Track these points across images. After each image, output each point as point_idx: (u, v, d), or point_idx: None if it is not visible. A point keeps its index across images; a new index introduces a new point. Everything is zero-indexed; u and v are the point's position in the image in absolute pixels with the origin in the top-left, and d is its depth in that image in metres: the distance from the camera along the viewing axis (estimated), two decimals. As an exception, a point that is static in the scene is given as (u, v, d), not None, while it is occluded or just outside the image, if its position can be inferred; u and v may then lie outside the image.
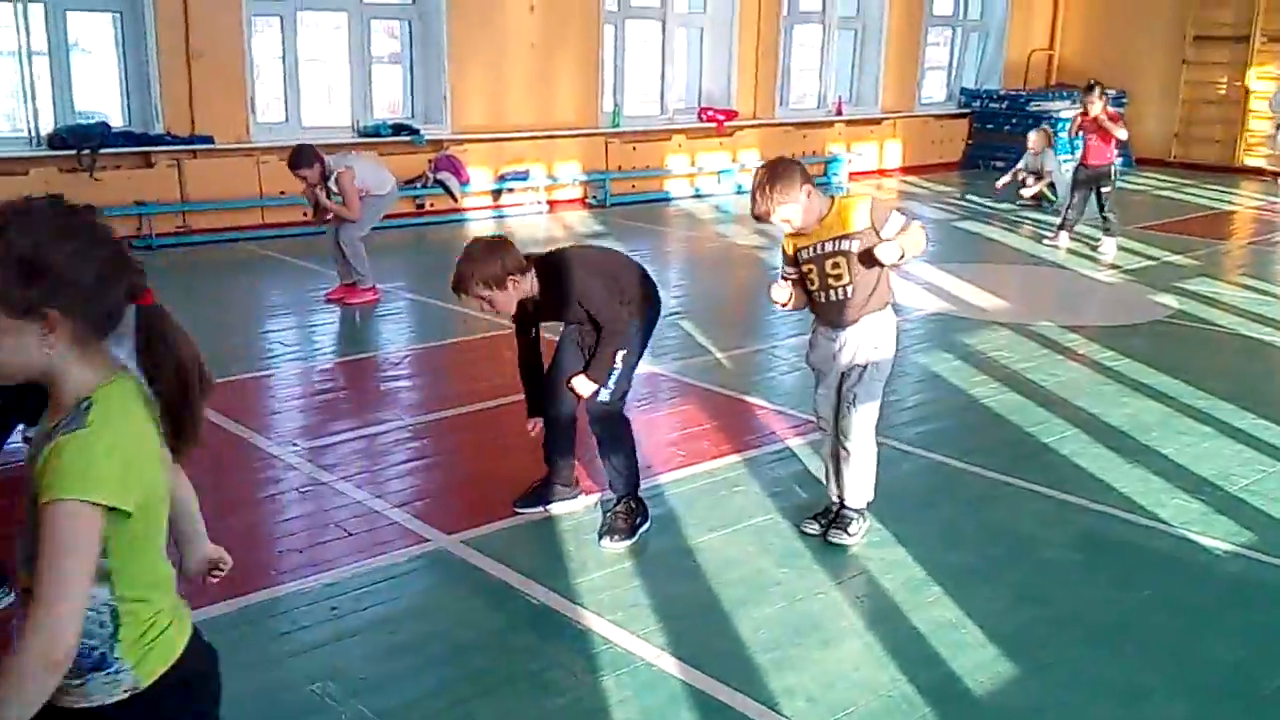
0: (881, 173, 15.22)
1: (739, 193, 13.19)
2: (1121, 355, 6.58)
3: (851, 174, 14.62)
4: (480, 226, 10.94)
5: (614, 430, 4.03)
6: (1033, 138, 12.52)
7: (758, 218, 3.83)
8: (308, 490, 4.46)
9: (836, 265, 3.87)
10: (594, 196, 12.16)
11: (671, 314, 7.49)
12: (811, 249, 3.90)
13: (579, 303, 3.85)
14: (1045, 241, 10.10)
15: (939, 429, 5.35)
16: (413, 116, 11.25)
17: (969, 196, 13.31)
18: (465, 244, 3.89)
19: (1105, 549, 4.08)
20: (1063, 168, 12.25)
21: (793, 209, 3.76)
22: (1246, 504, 4.45)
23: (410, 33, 11.15)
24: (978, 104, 16.12)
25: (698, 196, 12.96)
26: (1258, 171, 15.16)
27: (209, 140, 9.71)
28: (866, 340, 3.93)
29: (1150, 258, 9.62)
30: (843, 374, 3.98)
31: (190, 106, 9.65)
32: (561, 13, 11.73)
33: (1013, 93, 16.02)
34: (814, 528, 4.08)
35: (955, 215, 11.99)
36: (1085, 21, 16.87)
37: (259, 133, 9.99)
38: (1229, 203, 13.01)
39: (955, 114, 16.18)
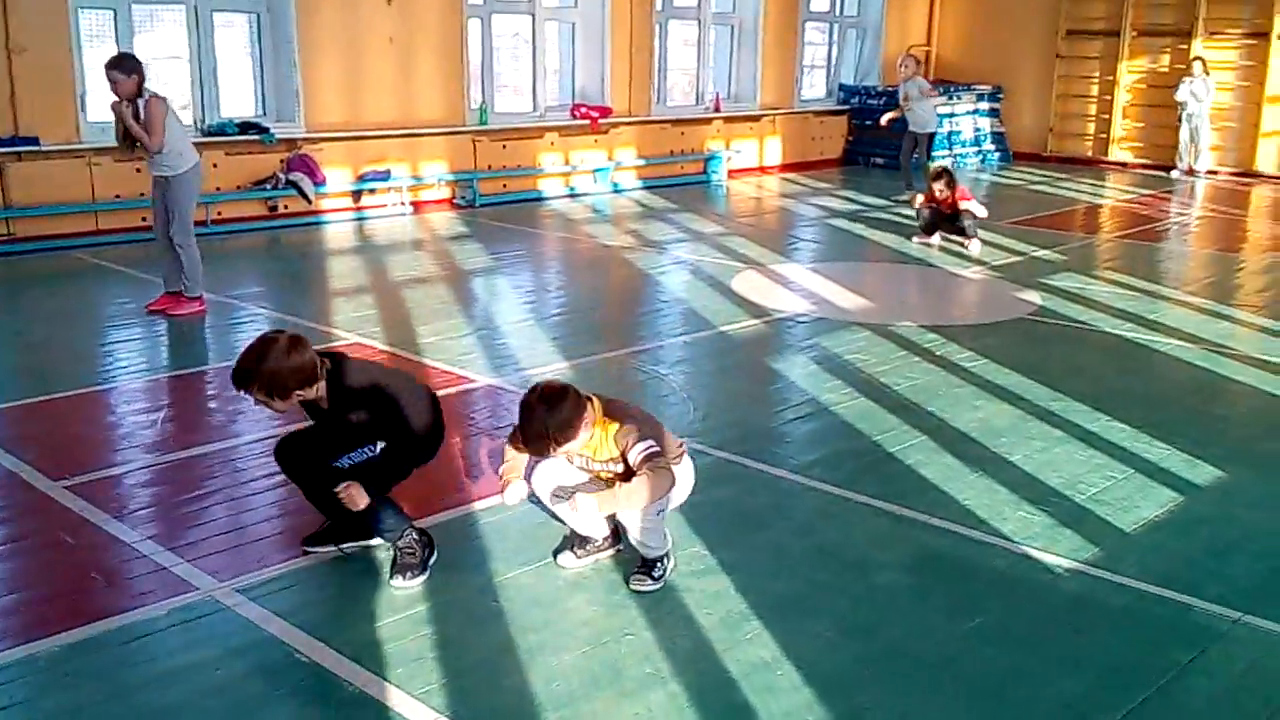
0: (762, 169, 15.05)
1: (616, 191, 12.90)
2: (979, 355, 6.40)
3: (731, 171, 14.44)
4: (339, 229, 10.45)
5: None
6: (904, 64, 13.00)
7: (532, 449, 3.55)
8: (70, 533, 3.98)
9: (607, 473, 3.66)
10: (462, 196, 11.72)
11: (528, 320, 7.13)
12: (584, 461, 3.65)
13: (368, 423, 3.58)
14: (916, 240, 9.97)
15: (782, 441, 5.08)
16: (264, 114, 10.68)
17: (845, 193, 13.18)
18: (260, 336, 3.55)
19: (940, 571, 3.83)
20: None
21: (574, 445, 3.51)
22: (1092, 515, 4.24)
23: (258, 26, 10.58)
24: (856, 100, 16.06)
25: (572, 196, 12.61)
26: (1126, 165, 15.35)
27: (34, 141, 9.05)
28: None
29: (1019, 253, 9.54)
30: None
31: (12, 105, 8.99)
32: (421, 6, 11.27)
33: (891, 88, 15.93)
34: (571, 560, 3.78)
35: (829, 213, 11.83)
36: (961, 17, 16.93)
37: (90, 133, 9.34)
38: (1101, 196, 13.11)
39: (834, 110, 16.10)
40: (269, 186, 10.14)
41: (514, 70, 12.98)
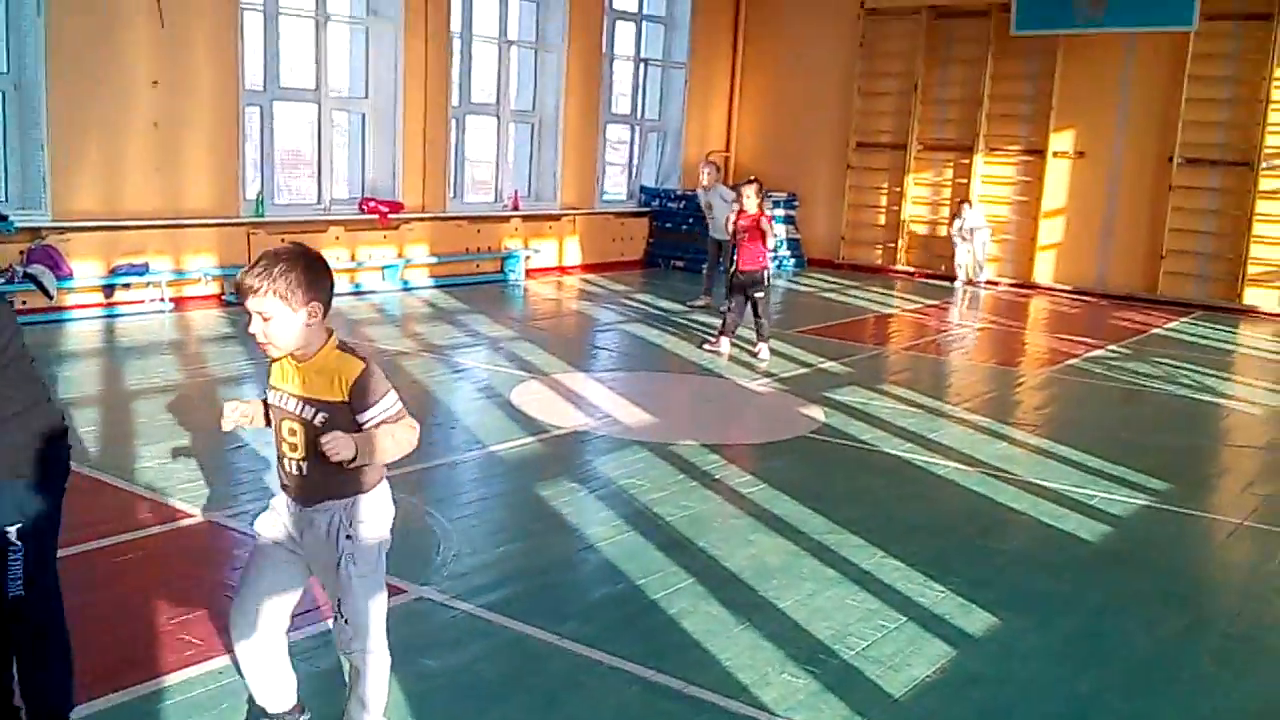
0: (562, 270, 14.77)
1: (406, 289, 12.35)
2: (759, 480, 6.11)
3: (530, 271, 14.11)
4: (84, 328, 9.51)
5: (37, 637, 2.99)
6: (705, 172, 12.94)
7: (239, 289, 2.94)
8: None
9: (293, 432, 3.02)
10: (232, 293, 10.91)
11: (269, 439, 6.44)
12: (280, 396, 3.04)
13: None
14: (706, 347, 9.78)
15: (534, 589, 4.59)
16: (4, 200, 9.70)
17: (643, 297, 13.00)
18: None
19: (691, 755, 3.39)
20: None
21: (279, 307, 2.90)
22: (861, 676, 3.90)
23: (3, 103, 9.65)
24: (657, 203, 16.06)
25: (357, 293, 11.97)
26: (913, 274, 15.77)
27: None
28: (335, 525, 3.04)
29: (806, 364, 9.45)
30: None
31: None
32: (192, 90, 10.57)
33: (691, 192, 16.00)
34: None
35: (624, 317, 11.58)
36: (758, 124, 17.26)
37: None
38: (888, 306, 13.34)
39: (636, 212, 16.04)
40: (2, 280, 9.15)
41: (298, 161, 12.34)
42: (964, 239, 14.95)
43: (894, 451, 6.88)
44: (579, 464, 6.28)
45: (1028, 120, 15.10)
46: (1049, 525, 5.66)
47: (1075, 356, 10.48)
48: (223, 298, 10.91)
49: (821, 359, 9.68)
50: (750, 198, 9.51)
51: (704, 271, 12.79)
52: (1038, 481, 6.38)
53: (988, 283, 15.23)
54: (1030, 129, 15.08)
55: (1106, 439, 7.48)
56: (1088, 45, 14.43)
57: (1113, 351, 10.84)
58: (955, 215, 15.15)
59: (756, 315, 9.52)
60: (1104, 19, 13.95)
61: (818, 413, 7.79)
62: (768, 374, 9.01)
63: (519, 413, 7.32)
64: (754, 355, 9.47)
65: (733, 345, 9.71)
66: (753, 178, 9.90)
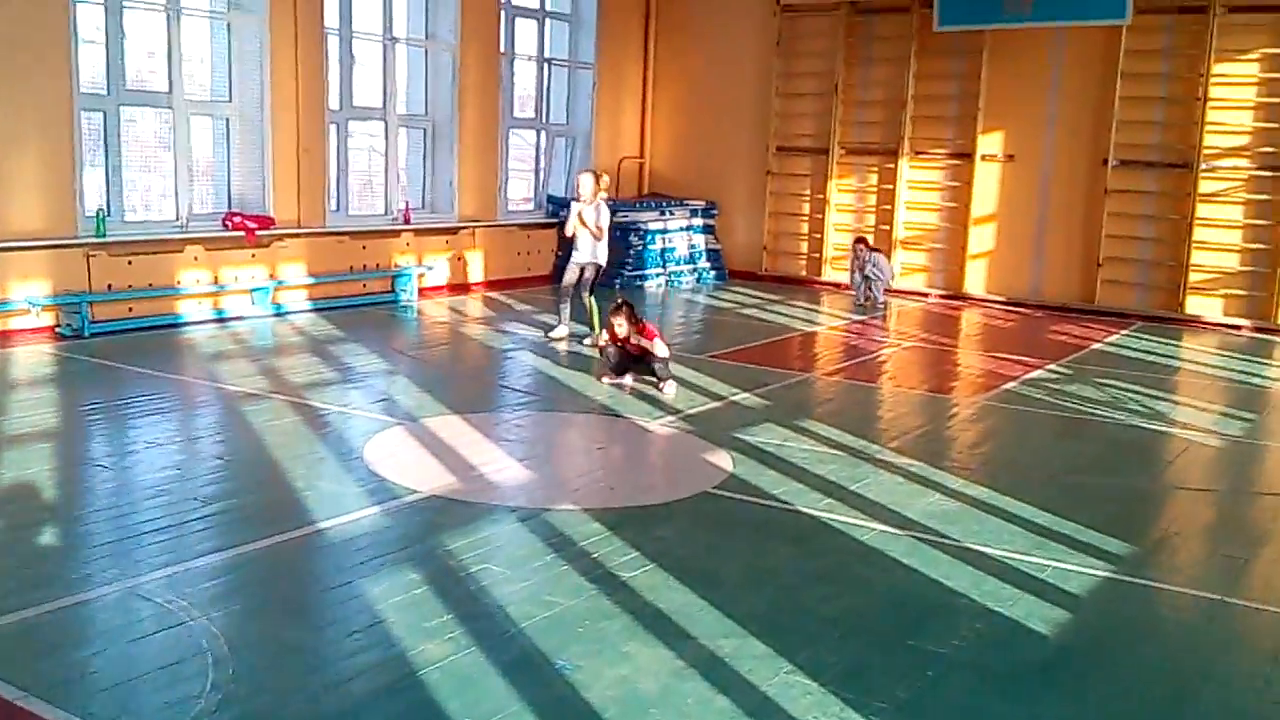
0: (461, 288, 13.58)
1: (279, 314, 11.08)
2: (645, 558, 5.02)
3: (424, 290, 12.92)
4: (-125, 371, 8.14)
5: None
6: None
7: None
8: None
9: None
10: (68, 324, 9.59)
11: (33, 522, 5.18)
12: None
13: None
14: (606, 380, 8.67)
15: (329, 744, 3.44)
16: None
17: (545, 318, 11.85)
18: None
19: None
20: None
21: None
22: None
23: None
24: (566, 213, 14.88)
25: (220, 320, 10.69)
26: (839, 286, 14.84)
27: None
28: None
29: (718, 396, 8.39)
30: None
31: None
32: (17, 96, 9.23)
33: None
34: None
35: (523, 342, 10.43)
36: (673, 129, 16.23)
37: None
38: (812, 323, 12.35)
39: (543, 223, 14.89)
40: None
41: (149, 173, 11.02)
42: (861, 274, 13.71)
43: (810, 510, 5.83)
44: (423, 544, 5.13)
45: (954, 122, 14.25)
46: (994, 611, 4.63)
47: (1012, 379, 9.55)
48: (57, 330, 9.56)
49: (735, 390, 8.62)
50: (621, 324, 8.42)
51: (559, 304, 10.61)
52: (977, 548, 5.37)
53: (918, 294, 14.35)
54: (957, 131, 14.23)
55: (1053, 485, 6.51)
56: (1015, 41, 13.61)
57: (1052, 372, 9.93)
58: (855, 256, 13.87)
59: (652, 371, 8.45)
60: (1032, 13, 13.14)
61: (725, 460, 6.72)
62: (673, 410, 7.93)
63: (369, 473, 6.15)
64: (657, 389, 8.38)
65: (635, 379, 8.63)
66: (620, 301, 8.70)
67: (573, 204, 10.55)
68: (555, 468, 6.59)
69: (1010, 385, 9.32)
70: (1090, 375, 9.83)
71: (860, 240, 14.01)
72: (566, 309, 10.44)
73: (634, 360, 8.52)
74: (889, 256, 14.18)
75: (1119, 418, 8.28)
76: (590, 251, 10.35)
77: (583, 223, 10.31)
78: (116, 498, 5.68)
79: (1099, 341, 11.71)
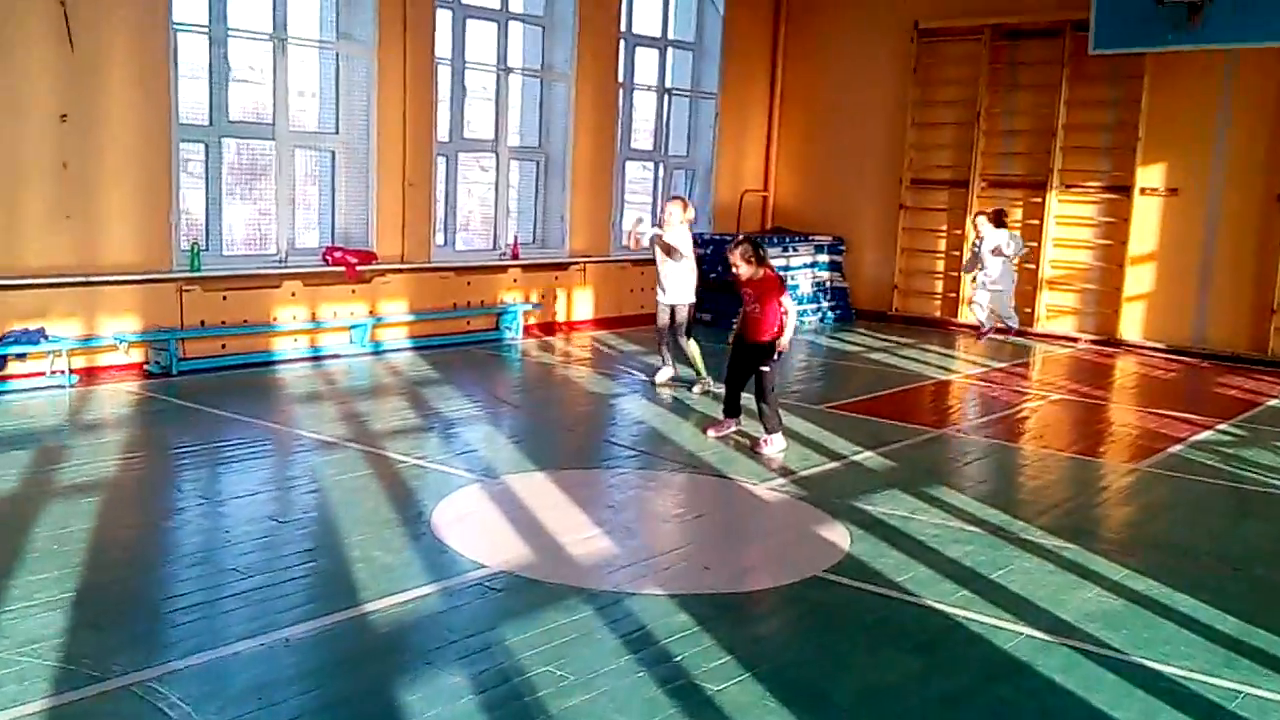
0: (570, 325, 12.97)
1: (376, 352, 10.60)
2: (739, 663, 4.19)
3: (531, 327, 12.34)
4: (-45, 409, 7.87)
5: None
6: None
7: None
8: None
9: None
10: (155, 362, 9.26)
11: (51, 593, 4.61)
12: None
13: None
14: (711, 434, 7.88)
15: None
16: (-128, 255, 8.17)
17: (656, 359, 11.09)
18: None
19: None
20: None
21: None
22: None
23: (-127, 142, 8.14)
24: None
25: (316, 358, 10.26)
26: (974, 329, 13.72)
27: None
28: None
29: (836, 455, 7.49)
30: None
31: None
32: (112, 125, 8.98)
33: (720, 236, 14.17)
34: None
35: (627, 389, 9.70)
36: (799, 161, 15.39)
37: None
38: (947, 369, 11.29)
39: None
40: None
41: (251, 206, 10.71)
42: (981, 270, 12.80)
43: (941, 605, 4.90)
44: (479, 637, 4.39)
45: (1110, 153, 13.05)
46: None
47: (1177, 441, 8.38)
48: (146, 368, 9.24)
49: (856, 448, 7.71)
50: (738, 265, 7.59)
51: (660, 346, 9.81)
52: (1149, 663, 4.37)
53: (1067, 339, 13.15)
54: (1113, 163, 13.02)
55: (1238, 579, 5.44)
56: (1180, 65, 12.37)
57: (1223, 434, 8.72)
58: (977, 238, 12.92)
59: (763, 400, 7.58)
60: (1201, 33, 11.87)
61: (841, 535, 5.83)
62: (784, 470, 7.06)
63: (433, 542, 5.47)
64: (761, 444, 7.54)
65: (738, 430, 7.81)
66: (741, 237, 7.87)
67: (654, 227, 9.73)
68: (646, 540, 5.80)
69: (1176, 449, 8.16)
70: (1268, 438, 8.59)
71: (982, 214, 12.99)
72: (668, 350, 9.69)
73: (746, 364, 7.65)
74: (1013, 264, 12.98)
75: (1311, 493, 7.09)
76: (676, 290, 9.44)
77: (661, 246, 9.29)
78: (145, 569, 5.11)
79: (1274, 397, 10.38)
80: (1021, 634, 4.62)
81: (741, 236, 7.83)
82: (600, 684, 4.01)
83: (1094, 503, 6.90)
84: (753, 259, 7.52)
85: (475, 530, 5.71)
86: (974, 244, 12.90)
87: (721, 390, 8.15)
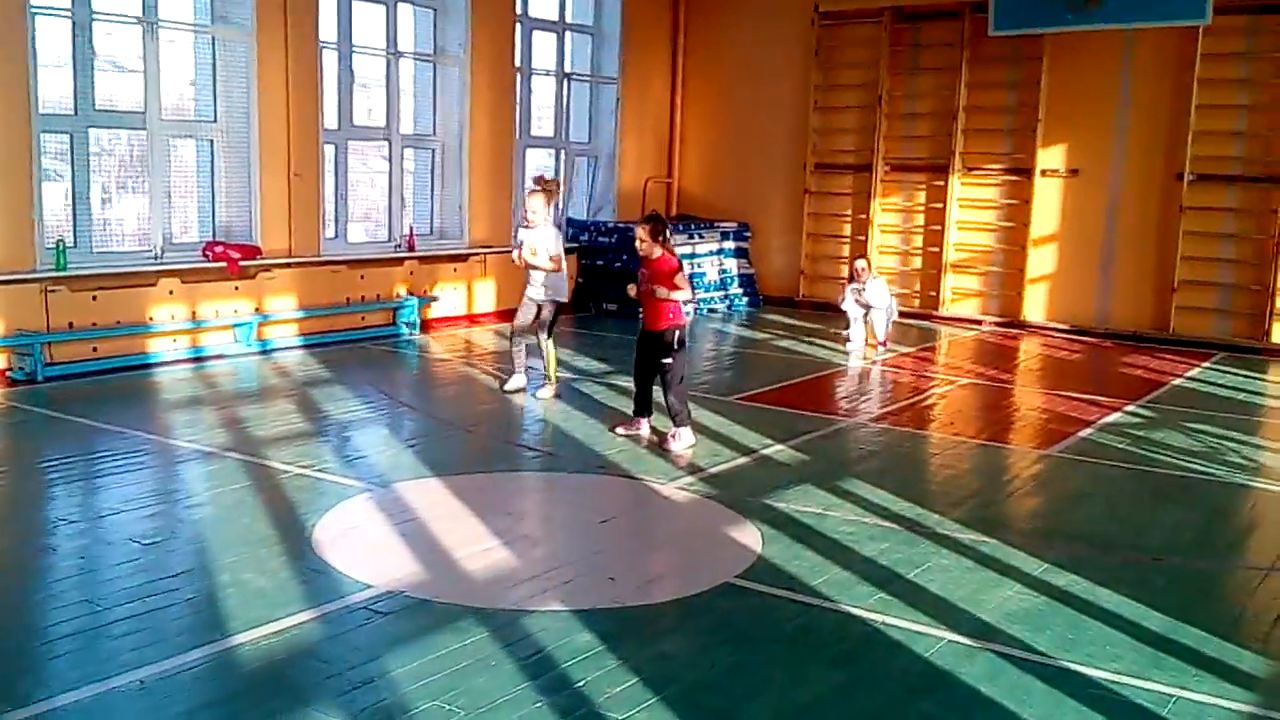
0: (470, 319, 12.52)
1: (264, 351, 10.04)
2: (646, 689, 3.85)
3: (430, 321, 11.88)
4: None
5: None
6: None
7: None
8: None
9: None
10: (19, 368, 8.60)
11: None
12: None
13: None
14: (620, 430, 7.54)
15: None
16: None
17: (560, 351, 10.72)
18: None
19: None
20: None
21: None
22: None
23: None
24: (586, 237, 13.84)
25: (198, 359, 9.66)
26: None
27: None
28: None
29: (744, 449, 7.22)
30: None
31: None
32: (-39, 114, 8.29)
33: (624, 224, 13.84)
34: None
35: (526, 384, 9.31)
36: (704, 148, 15.13)
37: None
38: (854, 356, 11.10)
39: (565, 249, 13.75)
40: None
41: (123, 200, 10.07)
42: (859, 305, 11.31)
43: (859, 610, 4.64)
44: (359, 669, 3.99)
45: (1011, 135, 13.04)
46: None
47: (1086, 425, 8.30)
48: (8, 375, 8.58)
49: (766, 440, 7.44)
50: (641, 240, 7.27)
51: (513, 349, 8.75)
52: (1077, 667, 4.17)
53: (970, 321, 13.11)
54: (1014, 145, 13.01)
55: (1158, 571, 5.29)
56: (1079, 46, 12.39)
57: (1131, 415, 8.67)
58: (852, 278, 11.51)
59: (666, 394, 7.29)
60: (1098, 14, 11.88)
61: (752, 536, 5.55)
62: (692, 468, 6.76)
63: (315, 560, 5.04)
64: (668, 440, 7.25)
65: (653, 429, 7.50)
66: (653, 213, 7.50)
67: (521, 230, 8.74)
68: (546, 550, 5.44)
69: (1085, 432, 8.07)
70: (1176, 419, 8.55)
71: (861, 257, 11.80)
72: (521, 354, 8.67)
73: (649, 357, 7.33)
74: (890, 285, 12.11)
75: (1220, 473, 7.02)
76: (546, 286, 8.46)
77: (533, 254, 8.37)
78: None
79: (1179, 376, 10.42)
80: (943, 639, 4.38)
81: (653, 212, 7.48)
82: (495, 717, 3.65)
83: (1007, 492, 6.74)
84: (653, 236, 7.19)
85: (361, 546, 5.29)
86: (856, 289, 11.34)
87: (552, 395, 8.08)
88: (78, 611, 4.39)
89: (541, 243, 8.37)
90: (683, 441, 7.19)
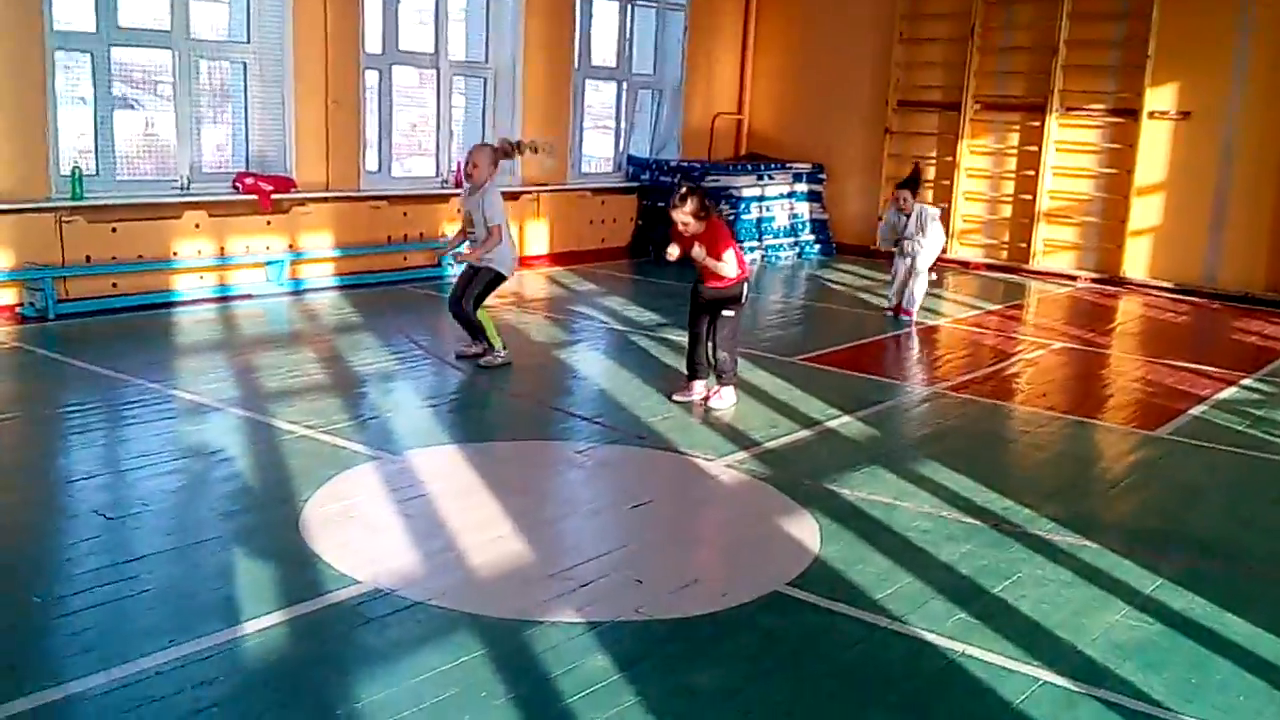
0: (522, 261, 11.72)
1: (295, 291, 9.41)
2: (662, 743, 3.11)
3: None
4: None
5: None
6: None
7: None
8: None
9: None
10: (30, 304, 8.05)
11: None
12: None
13: None
14: (676, 395, 6.75)
15: None
16: None
17: (615, 299, 9.98)
18: None
19: None
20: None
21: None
22: None
23: None
24: (648, 176, 12.97)
25: (224, 299, 9.06)
26: (968, 265, 12.62)
27: None
28: None
29: (807, 420, 6.40)
30: None
31: None
32: (-32, 29, 7.67)
33: (689, 163, 12.96)
34: None
35: (576, 336, 8.57)
36: (775, 83, 14.09)
37: None
38: (936, 312, 10.13)
39: (621, 188, 12.96)
40: None
41: (149, 127, 9.43)
42: (906, 242, 9.45)
43: (932, 636, 3.84)
44: (320, 695, 3.30)
45: (1117, 72, 11.84)
46: None
47: (1198, 400, 7.33)
48: (18, 311, 8.03)
49: (831, 411, 6.61)
50: (685, 220, 6.32)
51: (460, 311, 7.34)
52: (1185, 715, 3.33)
53: (1063, 277, 12.05)
54: (1120, 83, 11.81)
55: (1300, 594, 4.40)
56: (1198, -28, 11.13)
57: (1249, 390, 7.67)
58: (895, 202, 9.52)
59: (714, 348, 6.52)
60: (1222, -64, 10.61)
61: (809, 531, 4.75)
62: (746, 441, 5.96)
63: (299, 546, 4.35)
64: (708, 397, 6.51)
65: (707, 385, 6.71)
66: (684, 187, 6.49)
67: (464, 192, 7.48)
68: (567, 540, 4.70)
69: (1196, 410, 7.11)
70: (1303, 396, 7.54)
71: (916, 177, 9.56)
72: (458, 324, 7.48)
73: (707, 312, 6.55)
74: (946, 224, 10.66)
75: (1362, 467, 6.05)
76: (490, 252, 7.22)
77: (468, 220, 7.28)
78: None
79: (1299, 345, 9.34)
80: (1038, 681, 3.57)
81: (684, 186, 6.43)
82: (473, 774, 2.94)
83: (1109, 483, 5.84)
84: (697, 215, 6.30)
85: (355, 530, 4.59)
86: (903, 220, 9.49)
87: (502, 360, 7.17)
88: (22, 607, 3.75)
89: (481, 208, 7.14)
90: (725, 401, 6.49)
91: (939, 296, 10.80)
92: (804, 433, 6.21)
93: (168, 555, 4.21)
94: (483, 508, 4.88)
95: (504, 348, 7.35)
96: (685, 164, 12.90)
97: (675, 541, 4.73)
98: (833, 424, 6.39)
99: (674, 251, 6.42)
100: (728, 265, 6.34)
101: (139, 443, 5.55)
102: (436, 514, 4.77)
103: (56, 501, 4.77)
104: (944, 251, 10.83)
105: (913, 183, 9.46)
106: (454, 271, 10.68)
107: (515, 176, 11.75)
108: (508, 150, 7.30)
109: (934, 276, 9.96)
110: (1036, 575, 4.41)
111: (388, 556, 4.30)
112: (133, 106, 9.39)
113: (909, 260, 9.50)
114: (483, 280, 7.27)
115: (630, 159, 13.19)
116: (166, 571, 4.07)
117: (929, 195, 11.65)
